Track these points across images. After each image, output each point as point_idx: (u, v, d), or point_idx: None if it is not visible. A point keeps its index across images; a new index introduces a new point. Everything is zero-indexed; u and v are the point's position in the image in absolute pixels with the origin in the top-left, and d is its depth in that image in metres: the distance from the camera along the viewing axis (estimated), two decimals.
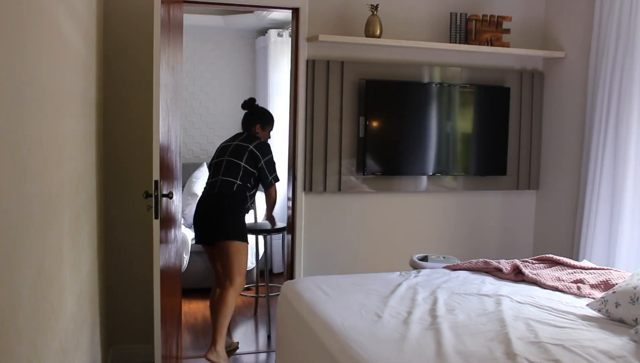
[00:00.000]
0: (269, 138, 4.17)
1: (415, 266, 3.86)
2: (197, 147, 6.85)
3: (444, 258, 3.93)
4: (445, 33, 4.36)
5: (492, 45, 4.33)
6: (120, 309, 3.76)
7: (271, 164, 3.99)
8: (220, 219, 3.83)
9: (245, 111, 4.19)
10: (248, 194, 3.93)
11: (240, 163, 3.89)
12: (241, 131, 4.17)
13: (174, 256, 3.42)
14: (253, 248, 5.09)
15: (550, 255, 3.53)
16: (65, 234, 1.96)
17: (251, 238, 5.01)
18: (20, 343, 1.29)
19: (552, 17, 4.57)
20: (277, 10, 4.85)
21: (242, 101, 4.23)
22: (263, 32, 6.51)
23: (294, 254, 4.23)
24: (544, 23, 4.63)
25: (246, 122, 4.14)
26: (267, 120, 4.15)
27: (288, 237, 4.34)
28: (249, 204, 4.01)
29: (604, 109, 3.95)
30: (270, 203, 4.13)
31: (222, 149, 4.02)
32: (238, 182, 3.86)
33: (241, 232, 3.85)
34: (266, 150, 3.98)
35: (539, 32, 4.63)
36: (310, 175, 4.19)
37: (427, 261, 3.90)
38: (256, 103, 4.23)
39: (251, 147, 3.93)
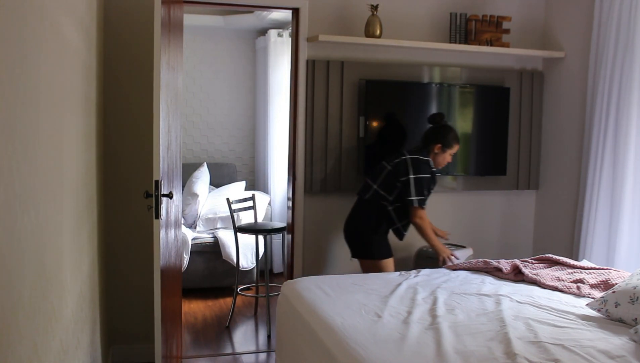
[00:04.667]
0: (449, 160, 3.80)
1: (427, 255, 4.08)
2: (197, 147, 6.85)
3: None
4: (445, 33, 4.36)
5: (492, 45, 4.33)
6: (120, 309, 3.76)
7: (419, 185, 3.65)
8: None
9: (430, 125, 3.84)
10: (387, 206, 3.74)
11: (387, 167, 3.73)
12: (419, 145, 3.83)
13: (174, 256, 3.42)
14: (253, 248, 5.10)
15: (550, 255, 3.53)
16: (65, 234, 1.96)
17: (251, 238, 5.03)
18: (20, 342, 1.29)
19: (552, 17, 4.57)
20: (277, 10, 4.85)
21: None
22: (263, 32, 6.51)
23: (294, 254, 4.23)
24: (543, 23, 4.63)
25: (427, 137, 3.81)
26: (448, 141, 3.74)
27: (288, 237, 4.34)
28: (391, 220, 3.77)
29: (603, 109, 3.95)
30: (419, 230, 3.77)
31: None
32: (375, 187, 3.73)
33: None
34: (419, 168, 3.66)
35: (539, 32, 4.63)
36: (311, 175, 4.19)
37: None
38: (444, 120, 3.85)
39: (407, 157, 3.68)
